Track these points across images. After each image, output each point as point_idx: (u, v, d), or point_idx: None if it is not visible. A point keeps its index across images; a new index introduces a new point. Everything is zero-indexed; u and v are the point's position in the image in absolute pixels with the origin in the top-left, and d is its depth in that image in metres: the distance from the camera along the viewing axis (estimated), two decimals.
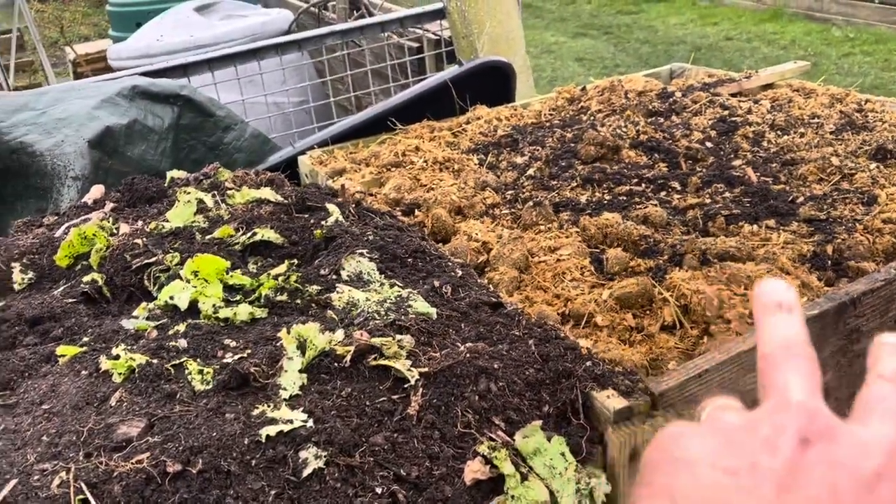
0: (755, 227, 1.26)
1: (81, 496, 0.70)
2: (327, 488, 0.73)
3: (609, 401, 0.85)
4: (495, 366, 0.87)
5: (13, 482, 0.71)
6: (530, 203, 1.32)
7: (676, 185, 1.45)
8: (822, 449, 0.38)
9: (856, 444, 0.39)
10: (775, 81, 2.13)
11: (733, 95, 2.01)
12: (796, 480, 0.37)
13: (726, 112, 1.84)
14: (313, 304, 1.01)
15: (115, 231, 1.21)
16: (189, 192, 1.28)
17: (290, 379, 0.81)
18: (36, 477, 0.72)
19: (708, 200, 1.37)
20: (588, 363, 0.90)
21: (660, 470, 0.41)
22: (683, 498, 0.39)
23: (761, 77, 2.11)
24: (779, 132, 1.72)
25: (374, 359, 0.85)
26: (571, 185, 1.44)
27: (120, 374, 0.84)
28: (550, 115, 1.91)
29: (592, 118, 1.83)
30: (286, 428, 0.75)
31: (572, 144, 1.62)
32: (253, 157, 2.02)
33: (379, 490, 0.74)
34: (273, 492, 0.72)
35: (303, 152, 1.87)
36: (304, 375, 0.82)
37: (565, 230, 1.28)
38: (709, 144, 1.66)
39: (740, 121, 1.77)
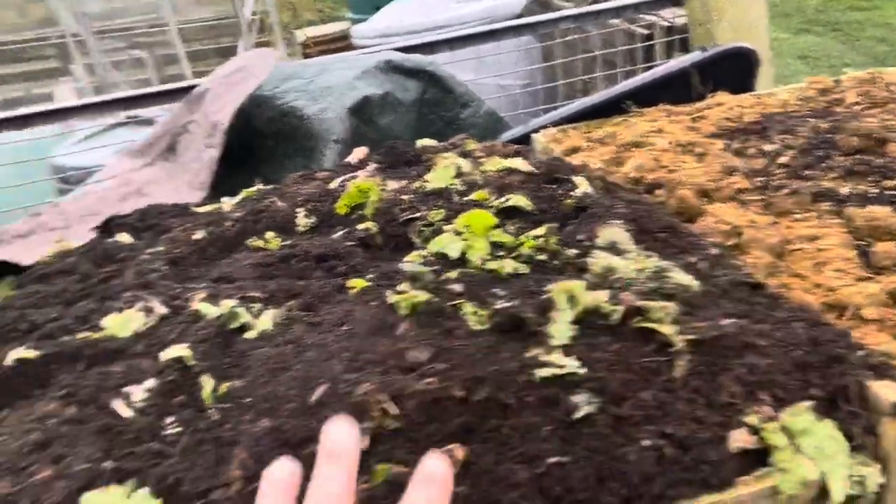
0: None
1: (381, 405, 0.79)
2: (596, 433, 0.77)
3: (887, 391, 0.81)
4: (762, 343, 0.87)
5: (325, 386, 0.82)
6: (786, 190, 1.27)
7: None
8: None
9: None
10: None
11: None
12: None
13: None
14: (569, 267, 1.05)
15: (384, 187, 1.33)
16: (448, 157, 1.38)
17: (561, 329, 0.86)
18: (342, 384, 0.82)
19: None
20: (861, 352, 0.87)
21: None
22: None
23: None
24: None
25: (639, 321, 0.88)
26: (830, 175, 1.37)
27: (405, 307, 0.93)
28: (799, 104, 1.81)
29: (849, 110, 1.71)
30: (560, 372, 0.80)
31: (829, 135, 1.53)
32: (486, 133, 2.11)
33: (646, 443, 0.77)
34: (546, 428, 0.77)
35: (536, 130, 1.92)
36: (574, 327, 0.87)
37: (823, 220, 1.23)
38: None
39: None
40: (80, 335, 0.99)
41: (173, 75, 7.28)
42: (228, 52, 7.17)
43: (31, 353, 0.94)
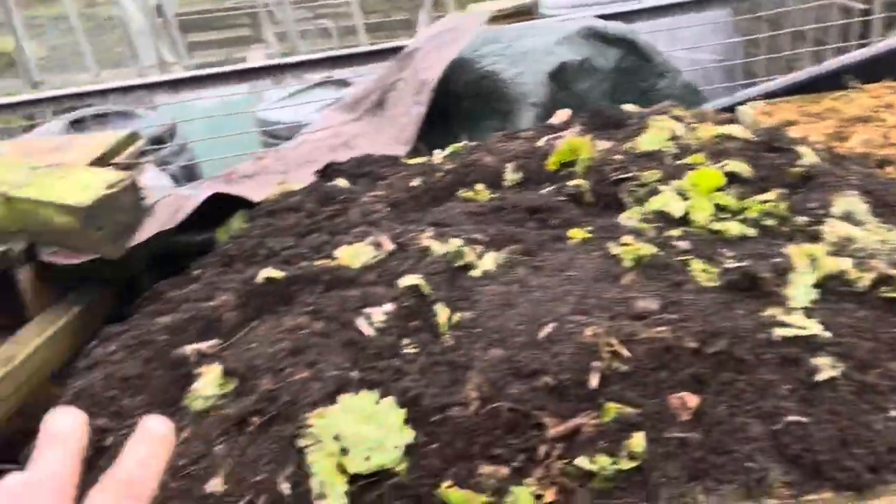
0: None
1: (611, 348, 0.80)
2: (839, 398, 0.74)
3: None
4: None
5: (553, 324, 0.84)
6: None
7: None
8: None
9: None
10: None
11: None
12: None
13: None
14: (799, 234, 1.01)
15: (593, 147, 1.33)
16: (661, 121, 1.36)
17: (801, 291, 0.83)
18: (569, 325, 0.84)
19: None
20: None
21: None
22: None
23: None
24: None
25: (888, 290, 0.83)
26: None
27: (630, 259, 0.94)
28: None
29: None
30: (801, 333, 0.78)
31: None
32: (682, 105, 2.04)
33: (894, 413, 0.73)
34: (785, 387, 0.75)
35: (741, 103, 1.84)
36: (815, 291, 0.84)
37: None
38: None
39: None
40: (317, 262, 1.08)
41: (351, 46, 7.60)
42: (402, 26, 7.38)
43: (277, 274, 1.04)
